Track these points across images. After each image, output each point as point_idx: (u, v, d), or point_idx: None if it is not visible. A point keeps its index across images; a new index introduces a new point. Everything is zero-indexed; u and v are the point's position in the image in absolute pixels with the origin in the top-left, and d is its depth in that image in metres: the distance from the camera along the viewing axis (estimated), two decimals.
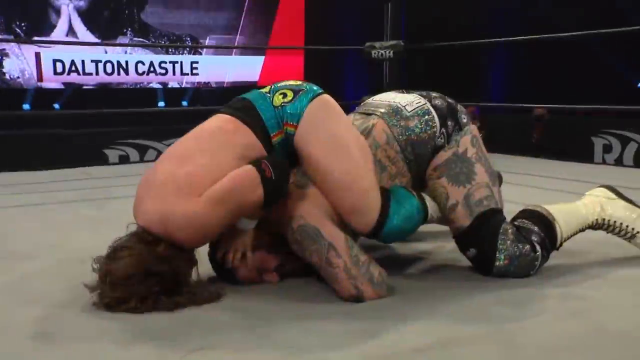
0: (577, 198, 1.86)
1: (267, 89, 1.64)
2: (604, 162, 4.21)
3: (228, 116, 1.59)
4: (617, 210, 1.78)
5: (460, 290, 1.61)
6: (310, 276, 1.64)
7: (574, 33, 3.81)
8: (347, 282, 1.51)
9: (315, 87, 1.63)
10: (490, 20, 5.95)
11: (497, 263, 1.65)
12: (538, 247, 1.67)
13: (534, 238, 1.68)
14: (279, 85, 1.64)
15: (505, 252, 1.64)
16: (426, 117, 1.67)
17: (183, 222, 1.45)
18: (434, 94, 1.76)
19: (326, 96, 1.63)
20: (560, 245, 1.74)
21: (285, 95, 1.59)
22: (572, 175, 3.47)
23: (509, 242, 1.64)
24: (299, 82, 1.66)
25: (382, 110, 1.70)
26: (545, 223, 1.71)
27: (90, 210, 2.73)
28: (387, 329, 1.37)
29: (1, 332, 1.38)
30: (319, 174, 1.57)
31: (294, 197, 1.57)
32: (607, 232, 1.81)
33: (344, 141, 1.57)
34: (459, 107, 1.74)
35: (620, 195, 1.82)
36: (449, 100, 1.75)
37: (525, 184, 3.14)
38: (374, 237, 1.59)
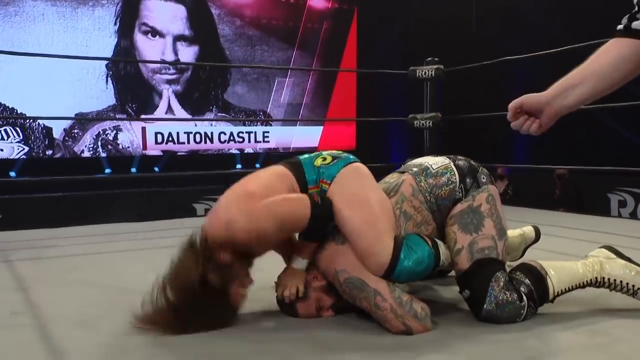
0: (597, 246, 1.80)
1: (314, 154, 1.75)
2: (619, 215, 4.07)
3: (281, 166, 1.70)
4: (616, 269, 1.66)
5: (500, 326, 1.57)
6: (362, 311, 1.64)
7: (589, 106, 3.76)
8: (395, 321, 1.51)
9: (351, 157, 1.72)
10: (515, 94, 5.94)
11: (486, 306, 1.57)
12: (525, 298, 1.58)
13: (523, 289, 1.59)
14: (323, 152, 1.74)
15: (494, 298, 1.56)
16: (448, 174, 1.68)
17: (242, 218, 1.48)
18: (459, 157, 1.77)
19: (358, 164, 1.71)
20: (554, 298, 1.63)
21: (325, 159, 1.69)
22: (592, 227, 3.36)
23: (497, 288, 1.57)
24: (339, 152, 1.75)
25: (414, 169, 1.74)
26: (537, 277, 1.61)
27: None
28: (435, 358, 1.36)
29: (120, 353, 1.44)
30: (343, 223, 1.59)
31: (335, 253, 1.60)
32: (610, 290, 1.68)
33: (365, 197, 1.61)
34: (481, 169, 1.73)
35: (620, 255, 1.70)
36: (473, 162, 1.75)
37: (550, 234, 3.06)
38: (387, 277, 1.56)
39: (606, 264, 1.67)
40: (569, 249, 2.55)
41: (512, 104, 1.16)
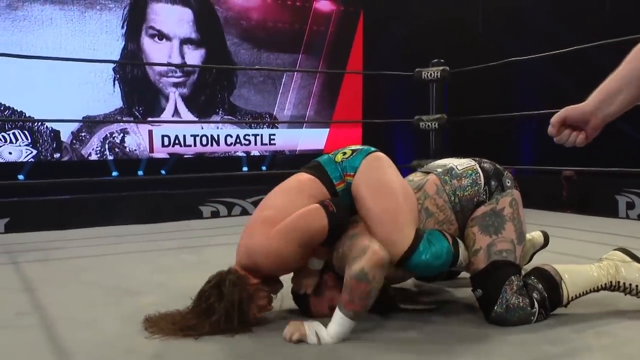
0: (605, 247, 1.78)
1: (332, 152, 1.76)
2: (627, 217, 4.03)
3: (303, 173, 1.72)
4: (631, 273, 1.63)
5: (505, 328, 1.57)
6: (371, 313, 1.64)
7: None
8: (362, 242, 1.51)
9: (371, 148, 1.73)
10: (521, 95, 5.91)
11: (496, 308, 1.56)
12: (536, 305, 1.57)
13: (535, 295, 1.57)
14: (342, 149, 1.75)
15: (505, 301, 1.55)
16: (473, 176, 1.67)
17: (260, 250, 1.53)
18: (485, 160, 1.76)
19: (379, 153, 1.71)
20: (568, 303, 1.62)
21: (345, 153, 1.70)
22: (599, 228, 3.34)
23: (510, 292, 1.55)
24: (357, 145, 1.76)
25: (439, 169, 1.73)
26: (551, 282, 1.59)
27: (190, 255, 2.79)
28: (438, 359, 1.35)
29: (126, 353, 1.44)
30: (365, 210, 1.60)
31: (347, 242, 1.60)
32: (625, 294, 1.65)
33: (388, 186, 1.62)
34: (506, 173, 1.72)
35: (635, 258, 1.66)
36: (498, 166, 1.74)
37: (558, 235, 3.04)
38: (402, 266, 1.57)
39: (621, 267, 1.64)
40: (577, 251, 2.54)
41: (556, 119, 1.11)
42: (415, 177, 1.76)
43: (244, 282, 1.54)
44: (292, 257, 1.54)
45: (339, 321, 1.46)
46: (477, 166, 1.70)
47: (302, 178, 1.69)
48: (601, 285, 1.63)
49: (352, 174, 1.65)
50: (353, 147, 1.73)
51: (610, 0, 5.07)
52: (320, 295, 1.65)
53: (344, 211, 1.56)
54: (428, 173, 1.74)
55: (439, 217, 1.65)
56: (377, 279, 1.46)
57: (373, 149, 1.72)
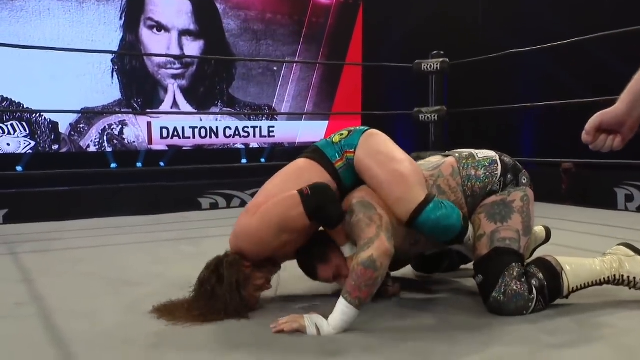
0: (604, 239, 1.78)
1: (330, 136, 1.79)
2: (626, 209, 4.03)
3: (302, 158, 1.75)
4: (635, 267, 1.63)
5: (505, 318, 1.57)
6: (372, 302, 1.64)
7: (596, 99, 3.73)
8: (370, 230, 1.52)
9: (365, 127, 1.77)
10: (520, 88, 5.89)
11: (495, 294, 1.56)
12: (534, 292, 1.57)
13: (534, 282, 1.58)
14: (339, 131, 1.79)
15: (504, 287, 1.55)
16: (492, 166, 1.69)
17: (242, 233, 1.58)
18: (506, 154, 1.77)
19: (374, 129, 1.76)
20: (569, 294, 1.62)
21: (342, 134, 1.75)
22: (599, 220, 3.34)
23: (509, 279, 1.56)
24: (353, 127, 1.81)
25: (457, 154, 1.75)
26: (552, 272, 1.60)
27: (189, 246, 2.79)
28: (437, 349, 1.35)
29: (124, 343, 1.44)
30: (374, 179, 1.63)
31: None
32: (630, 288, 1.65)
33: (391, 154, 1.66)
34: (524, 171, 1.74)
35: (638, 252, 1.66)
36: (518, 163, 1.75)
37: (557, 227, 3.03)
38: (412, 224, 1.58)
39: (625, 261, 1.64)
40: (577, 243, 2.54)
41: (590, 125, 1.07)
42: (434, 158, 1.79)
43: (241, 263, 1.56)
44: (274, 242, 1.56)
45: (343, 310, 1.46)
46: (497, 157, 1.72)
47: (300, 165, 1.71)
48: (604, 279, 1.64)
49: (351, 150, 1.68)
50: (350, 128, 1.77)
51: None
52: (327, 262, 1.66)
53: (321, 193, 1.54)
54: (447, 156, 1.76)
55: (450, 198, 1.67)
56: (384, 267, 1.48)
57: (368, 127, 1.76)
